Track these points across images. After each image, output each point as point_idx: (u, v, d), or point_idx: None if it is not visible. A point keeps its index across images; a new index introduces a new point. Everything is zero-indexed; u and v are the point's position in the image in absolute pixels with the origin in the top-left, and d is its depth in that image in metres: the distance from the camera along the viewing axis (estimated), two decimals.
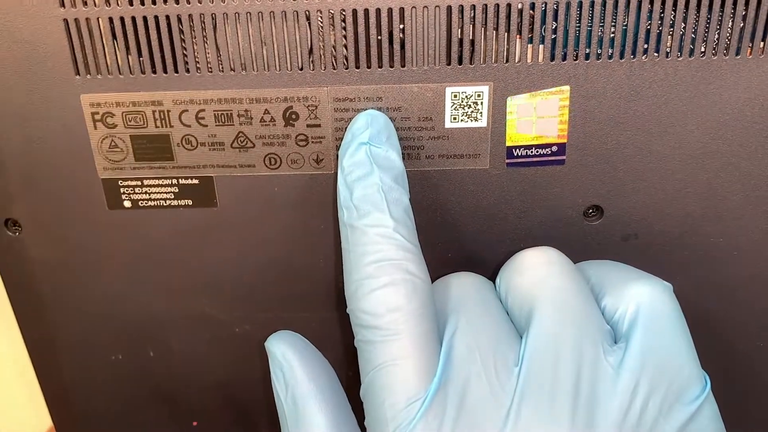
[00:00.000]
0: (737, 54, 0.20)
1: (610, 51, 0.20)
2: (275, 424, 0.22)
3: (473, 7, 0.20)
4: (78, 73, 0.21)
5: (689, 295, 0.23)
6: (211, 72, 0.21)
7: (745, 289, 0.24)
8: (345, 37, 0.20)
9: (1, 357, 0.36)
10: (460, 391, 0.18)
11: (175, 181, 0.23)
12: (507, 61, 0.21)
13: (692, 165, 0.22)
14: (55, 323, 0.26)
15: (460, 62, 0.21)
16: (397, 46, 0.21)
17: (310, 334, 0.25)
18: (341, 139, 0.22)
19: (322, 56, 0.21)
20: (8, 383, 0.37)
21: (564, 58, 0.21)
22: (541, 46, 0.20)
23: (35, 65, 0.21)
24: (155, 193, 0.23)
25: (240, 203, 0.23)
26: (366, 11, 0.20)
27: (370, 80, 0.21)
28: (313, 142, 0.22)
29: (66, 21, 0.20)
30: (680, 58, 0.20)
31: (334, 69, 0.21)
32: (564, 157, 0.22)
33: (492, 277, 0.23)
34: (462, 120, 0.21)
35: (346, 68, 0.21)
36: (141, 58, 0.21)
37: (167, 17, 0.20)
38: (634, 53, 0.20)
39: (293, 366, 0.22)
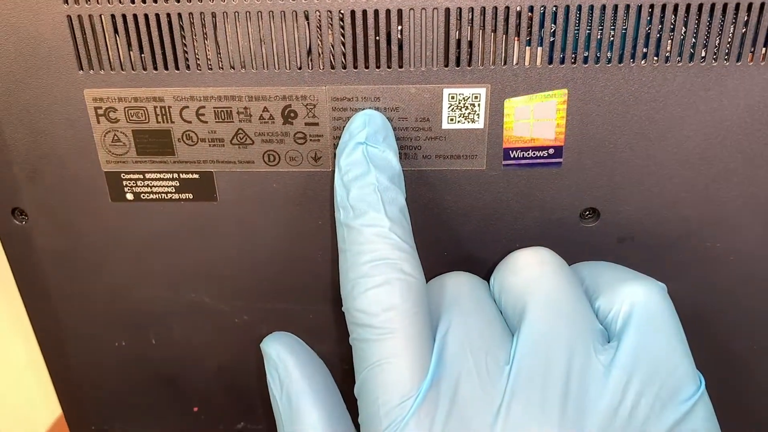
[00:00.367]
0: (738, 60, 0.20)
1: (609, 55, 0.20)
2: (271, 411, 0.23)
3: (471, 9, 0.20)
4: (81, 68, 0.21)
5: (684, 297, 0.23)
6: (211, 69, 0.21)
7: (740, 293, 0.24)
8: (344, 37, 0.20)
9: (13, 348, 0.37)
10: (452, 388, 0.19)
11: (176, 176, 0.23)
12: (505, 63, 0.21)
13: (690, 170, 0.22)
14: (61, 309, 0.26)
15: (458, 64, 0.21)
16: (395, 47, 0.21)
17: (306, 326, 0.26)
18: (339, 137, 0.22)
19: (321, 56, 0.21)
20: (20, 374, 0.38)
21: (562, 62, 0.20)
22: (539, 49, 0.20)
23: (40, 60, 0.21)
24: (157, 186, 0.23)
25: (239, 198, 0.23)
26: (364, 12, 0.20)
27: (368, 80, 0.21)
28: (311, 140, 0.22)
29: (69, 17, 0.21)
30: (680, 64, 0.20)
31: (333, 69, 0.21)
32: (561, 160, 0.22)
33: (487, 277, 0.23)
34: (459, 121, 0.22)
35: (345, 68, 0.21)
36: (143, 55, 0.21)
37: (168, 15, 0.20)
38: (633, 57, 0.20)
39: (288, 366, 0.22)
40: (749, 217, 0.23)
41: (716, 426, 0.19)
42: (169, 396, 0.28)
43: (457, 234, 0.24)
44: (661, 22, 0.20)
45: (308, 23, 0.20)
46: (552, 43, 0.20)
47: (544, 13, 0.20)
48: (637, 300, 0.20)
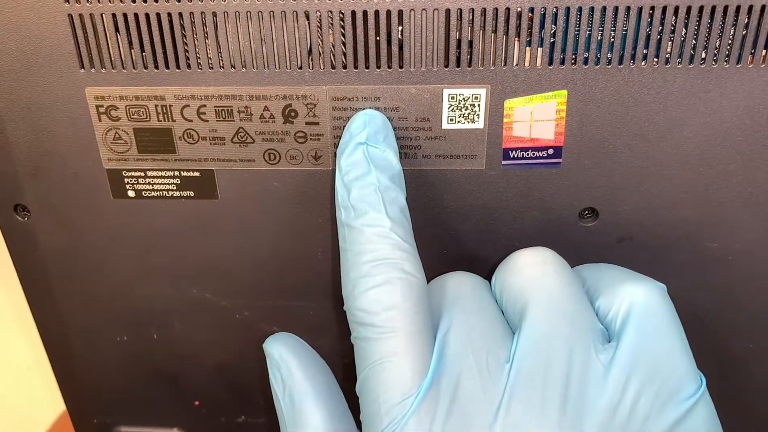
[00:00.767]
0: (738, 62, 0.20)
1: (609, 56, 0.20)
2: (271, 405, 0.23)
3: (472, 10, 0.20)
4: (83, 66, 0.21)
5: (683, 297, 0.23)
6: (212, 69, 0.21)
7: (739, 293, 0.24)
8: (344, 37, 0.20)
9: (16, 346, 0.38)
10: (452, 386, 0.19)
11: (177, 173, 0.23)
12: (505, 64, 0.21)
13: (689, 171, 0.22)
14: (64, 305, 0.27)
15: (458, 64, 0.21)
16: (395, 48, 0.21)
17: (306, 322, 0.26)
18: (339, 137, 0.22)
19: (322, 56, 0.21)
20: (22, 372, 0.38)
21: (562, 63, 0.20)
22: (539, 50, 0.20)
23: (41, 59, 0.21)
24: (158, 184, 0.23)
25: (240, 196, 0.23)
26: (365, 13, 0.20)
27: (368, 80, 0.21)
28: (311, 139, 0.22)
29: (71, 16, 0.21)
30: (680, 65, 0.20)
31: (333, 69, 0.21)
32: (560, 160, 0.22)
33: (487, 275, 0.23)
34: (459, 121, 0.22)
35: (345, 68, 0.21)
36: (144, 54, 0.21)
37: (169, 15, 0.20)
38: (633, 59, 0.20)
39: (290, 366, 0.22)
40: (748, 217, 0.23)
41: (718, 425, 0.19)
42: (170, 390, 0.29)
43: (456, 233, 0.24)
44: (662, 24, 0.20)
45: (309, 23, 0.20)
46: (552, 44, 0.20)
47: (544, 14, 0.20)
48: (637, 300, 0.20)
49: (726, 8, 0.19)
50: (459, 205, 0.23)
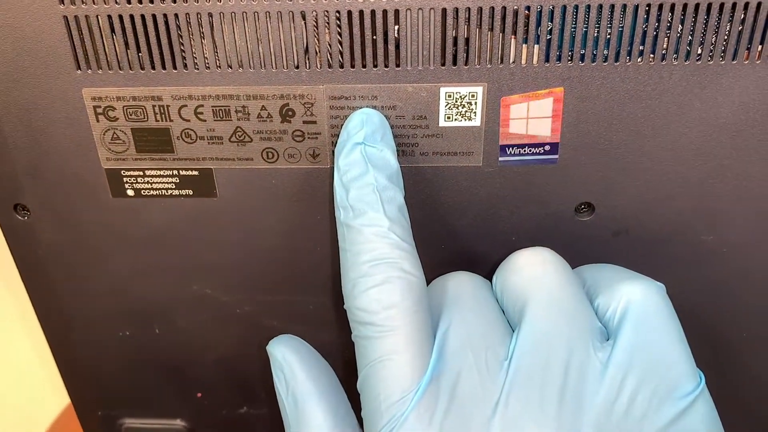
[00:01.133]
0: (734, 58, 0.20)
1: (605, 53, 0.20)
2: (272, 396, 0.24)
3: (468, 8, 0.20)
4: (79, 68, 0.21)
5: (678, 289, 0.23)
6: (209, 69, 0.21)
7: (734, 285, 0.25)
8: (341, 36, 0.20)
9: (19, 344, 0.38)
10: (452, 383, 0.19)
11: (175, 172, 0.23)
12: (501, 62, 0.21)
13: (684, 166, 0.22)
14: (65, 302, 0.27)
15: (454, 63, 0.21)
16: (392, 47, 0.21)
17: (306, 317, 0.26)
18: (337, 135, 0.22)
19: (318, 55, 0.21)
20: (23, 370, 0.39)
21: (558, 60, 0.21)
22: (535, 47, 0.20)
23: (38, 60, 0.21)
24: (157, 183, 0.24)
25: (239, 194, 0.24)
26: (361, 12, 0.20)
27: (365, 79, 0.21)
28: (309, 138, 0.22)
29: (66, 18, 0.21)
30: (676, 62, 0.20)
31: (330, 68, 0.21)
32: (556, 156, 0.22)
33: (485, 271, 0.23)
34: (456, 119, 0.22)
35: (342, 67, 0.21)
36: (140, 54, 0.21)
37: (165, 16, 0.20)
38: (629, 55, 0.20)
39: (293, 367, 0.22)
40: (743, 211, 0.23)
41: (717, 422, 0.20)
42: (173, 383, 0.29)
43: (454, 229, 0.24)
44: (658, 20, 0.20)
45: (305, 23, 0.20)
46: (548, 42, 0.20)
47: (540, 11, 0.20)
48: (634, 298, 0.20)
49: (722, 4, 0.19)
50: (457, 201, 0.23)
